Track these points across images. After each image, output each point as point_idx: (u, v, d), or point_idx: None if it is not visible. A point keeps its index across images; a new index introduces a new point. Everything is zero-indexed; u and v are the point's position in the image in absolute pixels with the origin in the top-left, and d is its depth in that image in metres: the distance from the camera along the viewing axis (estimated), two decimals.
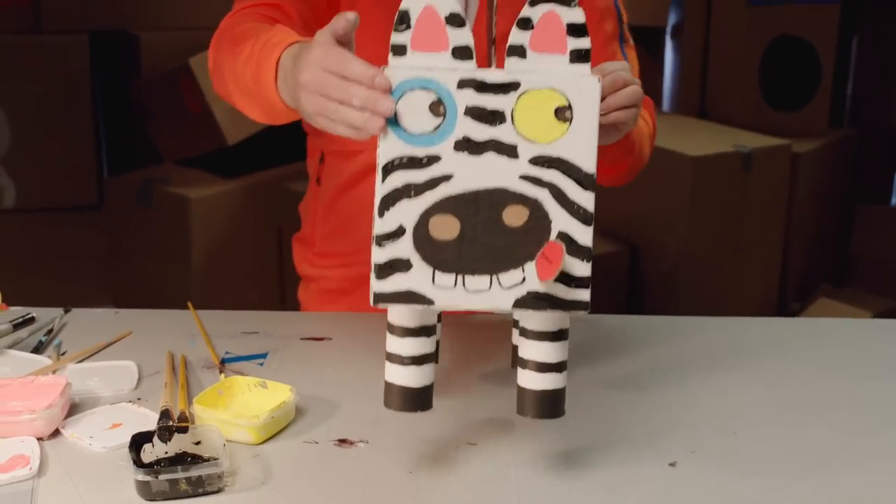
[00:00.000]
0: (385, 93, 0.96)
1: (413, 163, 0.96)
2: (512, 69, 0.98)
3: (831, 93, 3.44)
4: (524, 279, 0.97)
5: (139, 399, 1.23)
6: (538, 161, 0.96)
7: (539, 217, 0.97)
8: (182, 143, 3.15)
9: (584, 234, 0.97)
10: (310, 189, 1.62)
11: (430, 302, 0.97)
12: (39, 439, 1.12)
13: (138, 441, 1.06)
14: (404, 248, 0.97)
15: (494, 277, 0.98)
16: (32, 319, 1.43)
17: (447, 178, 0.96)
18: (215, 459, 1.04)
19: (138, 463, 1.03)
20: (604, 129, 1.07)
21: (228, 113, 2.97)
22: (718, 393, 1.27)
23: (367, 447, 1.13)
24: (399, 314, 1.02)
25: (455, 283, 0.97)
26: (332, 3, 1.39)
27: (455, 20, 0.97)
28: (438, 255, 0.97)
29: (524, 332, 1.03)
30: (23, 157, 3.08)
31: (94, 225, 3.19)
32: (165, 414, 1.13)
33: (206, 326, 1.42)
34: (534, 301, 0.97)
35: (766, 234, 3.14)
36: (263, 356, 1.35)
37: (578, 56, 0.98)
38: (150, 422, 1.14)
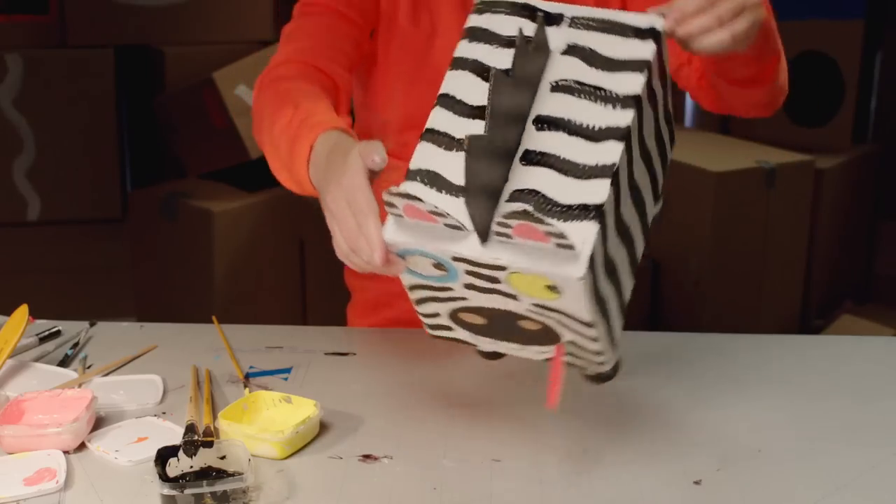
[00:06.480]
0: (391, 263, 0.99)
1: (430, 288, 1.04)
2: (496, 249, 0.95)
3: (855, 108, 3.42)
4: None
5: (164, 413, 1.23)
6: (539, 305, 1.00)
7: (549, 329, 1.03)
8: (205, 156, 3.17)
9: (591, 335, 1.02)
10: None
11: (474, 345, 1.11)
12: (66, 452, 1.12)
13: (164, 455, 1.06)
14: (443, 321, 1.07)
15: (526, 348, 1.10)
16: (58, 333, 1.44)
17: (463, 298, 1.03)
18: (240, 474, 1.05)
19: (164, 477, 1.04)
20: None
21: (251, 127, 2.98)
22: (743, 411, 1.27)
23: (391, 463, 1.13)
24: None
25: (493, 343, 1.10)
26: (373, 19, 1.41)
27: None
28: (472, 330, 1.08)
29: None
30: (47, 171, 3.11)
31: (118, 238, 3.21)
32: (191, 428, 1.14)
33: (230, 341, 1.42)
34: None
35: (789, 250, 3.13)
36: (288, 371, 1.35)
37: (561, 244, 0.93)
38: (175, 436, 1.14)
